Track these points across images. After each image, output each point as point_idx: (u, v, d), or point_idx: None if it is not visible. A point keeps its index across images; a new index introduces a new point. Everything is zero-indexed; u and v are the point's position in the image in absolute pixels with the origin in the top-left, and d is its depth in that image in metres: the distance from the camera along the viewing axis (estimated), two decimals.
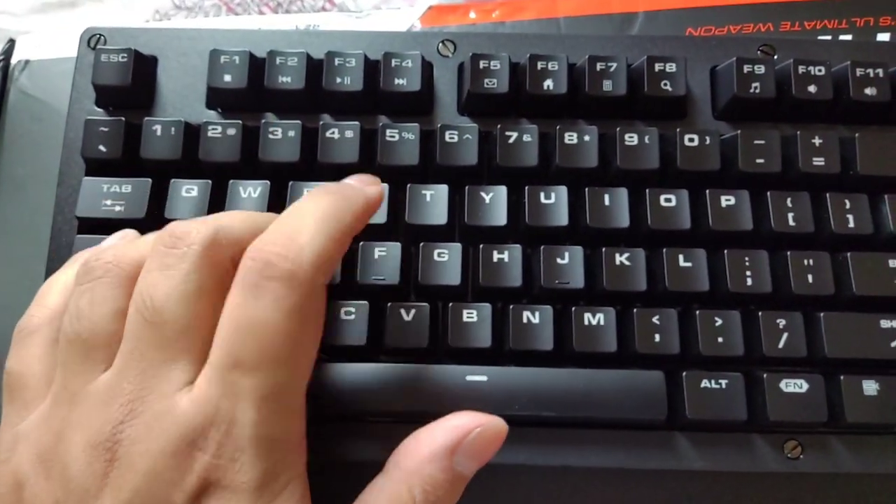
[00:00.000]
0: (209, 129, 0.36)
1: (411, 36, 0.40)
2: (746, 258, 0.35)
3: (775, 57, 0.38)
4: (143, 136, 0.36)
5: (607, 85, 0.37)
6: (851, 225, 0.35)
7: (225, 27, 0.39)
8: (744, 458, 0.34)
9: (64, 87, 0.40)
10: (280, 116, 0.38)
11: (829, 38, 0.46)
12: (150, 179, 0.36)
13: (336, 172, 0.36)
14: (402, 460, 0.28)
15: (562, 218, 0.35)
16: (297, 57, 0.37)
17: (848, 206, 0.36)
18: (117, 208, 0.36)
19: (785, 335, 0.34)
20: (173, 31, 0.39)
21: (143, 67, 0.38)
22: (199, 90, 0.38)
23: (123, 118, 0.37)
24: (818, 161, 0.36)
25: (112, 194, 0.36)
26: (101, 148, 0.36)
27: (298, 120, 0.37)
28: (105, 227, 0.36)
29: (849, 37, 0.46)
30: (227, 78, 0.37)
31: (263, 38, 0.39)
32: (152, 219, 0.36)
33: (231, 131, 0.36)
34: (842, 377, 0.34)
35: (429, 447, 0.28)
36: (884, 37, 0.46)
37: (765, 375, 0.34)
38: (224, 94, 0.37)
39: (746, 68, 0.37)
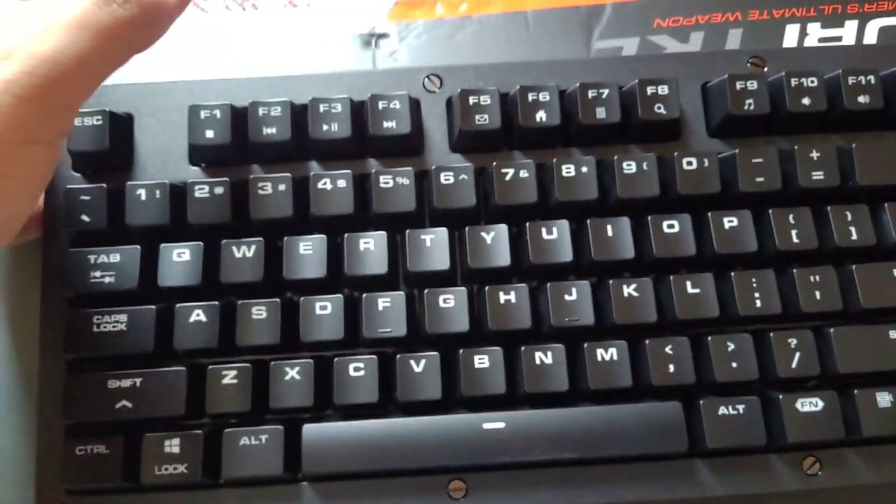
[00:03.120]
0: (196, 189, 0.35)
1: (395, 73, 0.38)
2: (753, 279, 0.35)
3: (765, 69, 0.38)
4: (127, 202, 0.35)
5: (601, 112, 0.36)
6: (854, 237, 0.35)
7: (201, 78, 0.37)
8: (764, 479, 0.34)
9: None
10: (266, 167, 0.37)
11: (797, 26, 0.46)
12: (138, 247, 0.35)
13: (331, 224, 0.35)
14: None
15: (565, 253, 0.35)
16: (281, 106, 0.36)
17: (850, 217, 0.35)
18: (107, 280, 0.34)
19: (797, 354, 0.34)
20: (148, 86, 0.37)
21: (120, 127, 0.36)
22: (180, 147, 0.37)
23: (105, 185, 0.35)
24: (817, 175, 0.35)
25: (101, 265, 0.35)
26: (85, 218, 0.35)
27: (287, 172, 0.35)
28: (97, 299, 0.34)
29: (817, 24, 0.45)
30: (210, 133, 0.36)
31: (242, 86, 0.37)
32: (146, 287, 0.34)
33: (219, 190, 0.35)
34: (855, 391, 0.34)
35: None
36: (851, 24, 0.46)
37: (781, 396, 0.34)
38: (207, 150, 0.36)
39: (739, 85, 0.36)
